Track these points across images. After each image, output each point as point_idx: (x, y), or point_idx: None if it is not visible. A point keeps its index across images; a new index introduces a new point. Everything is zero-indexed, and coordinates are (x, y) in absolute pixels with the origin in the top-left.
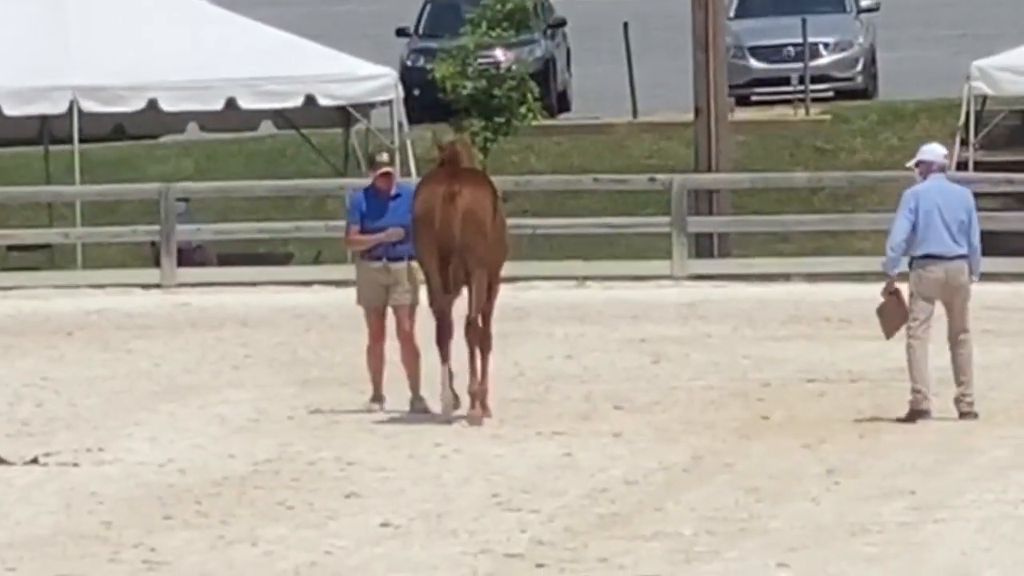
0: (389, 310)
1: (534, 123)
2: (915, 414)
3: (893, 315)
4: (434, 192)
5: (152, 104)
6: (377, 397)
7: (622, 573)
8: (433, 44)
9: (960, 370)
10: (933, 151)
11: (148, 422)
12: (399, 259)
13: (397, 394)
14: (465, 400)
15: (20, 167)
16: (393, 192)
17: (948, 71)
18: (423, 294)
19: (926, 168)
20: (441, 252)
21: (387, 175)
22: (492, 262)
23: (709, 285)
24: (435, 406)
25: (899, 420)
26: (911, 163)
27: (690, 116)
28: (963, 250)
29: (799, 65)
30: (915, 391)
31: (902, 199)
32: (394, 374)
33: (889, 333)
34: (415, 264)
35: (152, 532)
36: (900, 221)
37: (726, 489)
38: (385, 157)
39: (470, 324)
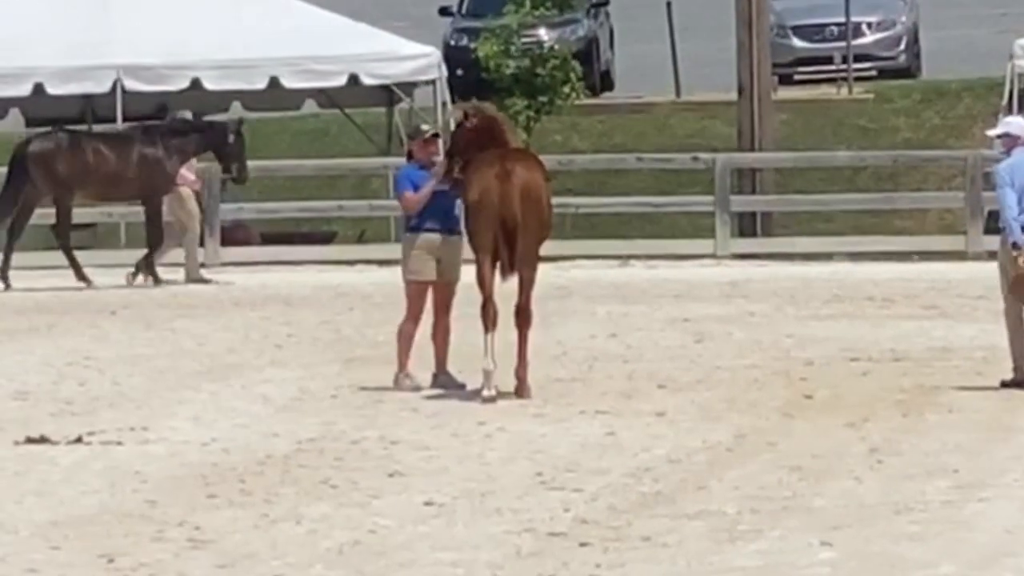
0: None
1: (577, 102)
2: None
3: None
4: (487, 174)
5: (195, 83)
6: (407, 371)
7: (665, 552)
8: (476, 23)
9: None
10: (1020, 125)
11: (192, 401)
12: (453, 232)
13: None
14: (507, 379)
15: None
16: (435, 163)
17: (991, 50)
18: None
19: (1011, 142)
20: (505, 232)
21: (431, 141)
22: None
23: (752, 264)
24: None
25: (1004, 384)
26: (994, 132)
27: (733, 95)
28: None
29: (842, 44)
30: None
31: (998, 174)
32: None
33: None
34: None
35: (196, 510)
36: (1007, 194)
37: (769, 468)
38: (427, 126)
39: (521, 309)
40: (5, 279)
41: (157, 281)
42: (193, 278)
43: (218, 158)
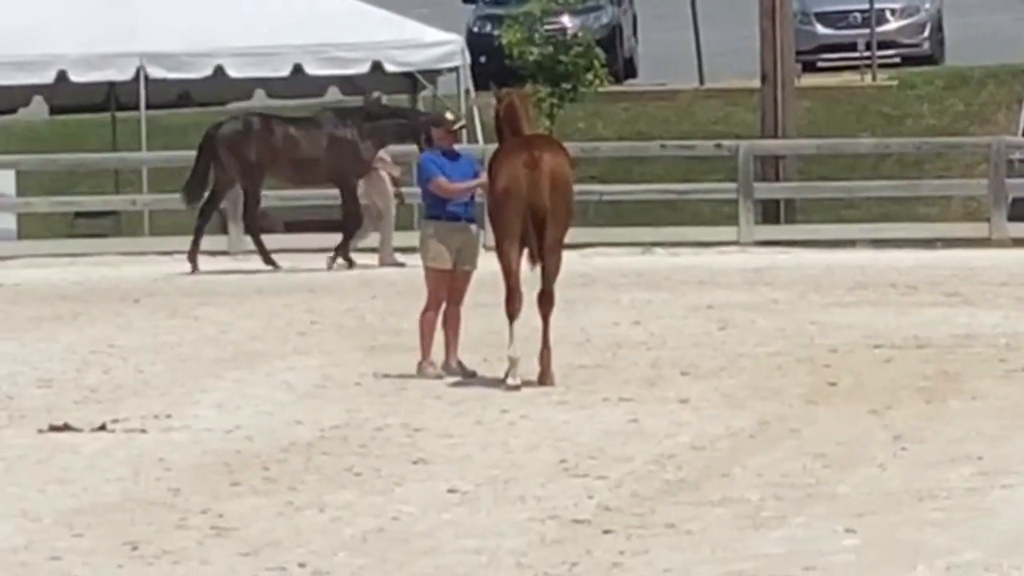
0: None
1: (600, 89)
2: None
3: None
4: (514, 162)
5: (219, 71)
6: (430, 358)
7: (689, 539)
8: (500, 10)
9: None
10: None
11: (215, 388)
12: (473, 221)
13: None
14: (531, 367)
15: (87, 134)
16: (456, 152)
17: (1015, 36)
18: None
19: None
20: (535, 219)
21: (457, 132)
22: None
23: (775, 251)
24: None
25: None
26: None
27: (756, 82)
28: None
29: (866, 31)
30: None
31: None
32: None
33: None
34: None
35: (220, 498)
36: None
37: (793, 455)
38: (453, 116)
39: (544, 294)
40: (193, 263)
41: (351, 265)
42: (387, 262)
43: (414, 138)
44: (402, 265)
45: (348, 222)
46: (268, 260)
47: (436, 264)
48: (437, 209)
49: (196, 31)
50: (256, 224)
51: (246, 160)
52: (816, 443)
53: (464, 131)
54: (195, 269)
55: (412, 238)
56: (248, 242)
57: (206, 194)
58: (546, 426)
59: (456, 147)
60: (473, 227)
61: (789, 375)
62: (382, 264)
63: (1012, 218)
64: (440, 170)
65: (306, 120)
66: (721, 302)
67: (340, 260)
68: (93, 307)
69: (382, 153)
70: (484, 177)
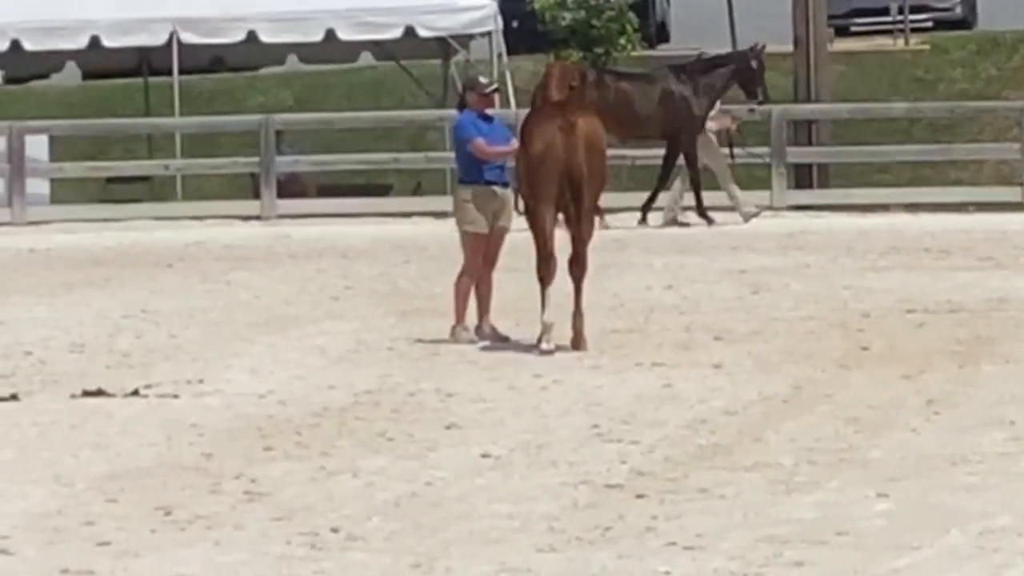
0: None
1: (633, 54)
2: None
3: None
4: (549, 127)
5: (251, 36)
6: (463, 323)
7: (722, 503)
8: None
9: None
10: None
11: (248, 353)
12: (507, 184)
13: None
14: (564, 332)
15: (120, 99)
16: (490, 116)
17: None
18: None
19: None
20: (570, 183)
21: (491, 96)
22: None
23: (808, 215)
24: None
25: None
26: None
27: (789, 47)
28: None
29: None
30: None
31: None
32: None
33: None
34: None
35: (252, 463)
36: None
37: (826, 419)
38: (486, 80)
39: (576, 259)
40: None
41: (710, 223)
42: (747, 213)
43: (742, 87)
44: (757, 213)
45: (693, 177)
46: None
47: (473, 228)
48: (473, 174)
49: None
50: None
51: None
52: (849, 407)
53: (497, 95)
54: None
55: (444, 203)
56: (281, 207)
57: None
58: (579, 391)
59: (490, 111)
60: (506, 190)
61: (822, 339)
62: (746, 220)
63: None
64: (477, 130)
65: (641, 75)
66: (754, 266)
67: (698, 217)
68: (125, 272)
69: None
70: (516, 143)
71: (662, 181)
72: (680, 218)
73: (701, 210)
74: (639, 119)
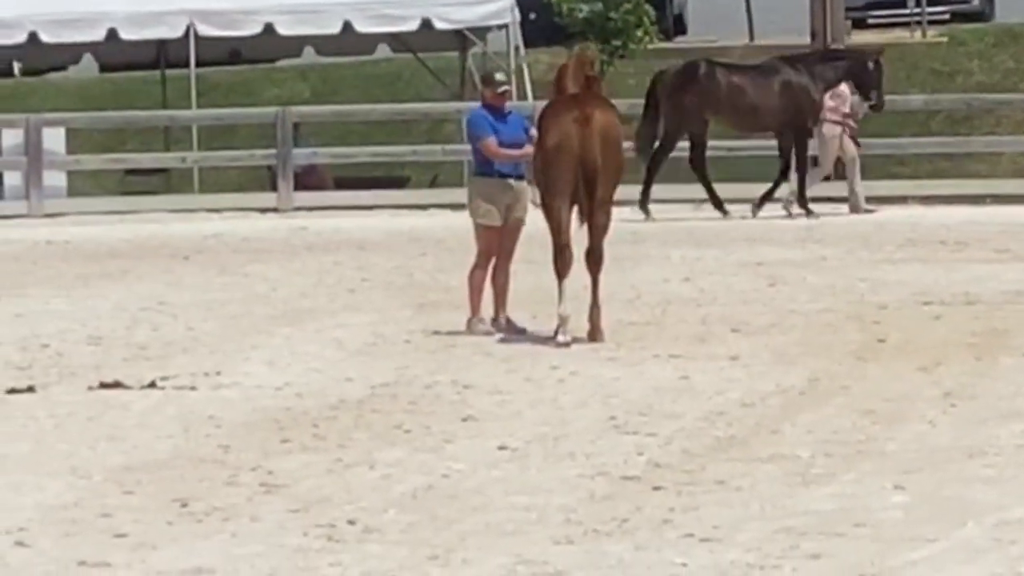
0: None
1: (650, 46)
2: None
3: None
4: (565, 118)
5: (268, 28)
6: (479, 315)
7: (739, 495)
8: None
9: None
10: None
11: (265, 346)
12: (521, 177)
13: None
14: (581, 324)
15: (137, 91)
16: (505, 111)
17: None
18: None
19: None
20: (585, 176)
21: (504, 94)
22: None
23: (825, 208)
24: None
25: None
26: None
27: (806, 39)
28: None
29: None
30: None
31: None
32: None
33: None
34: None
35: (269, 455)
36: None
37: (843, 412)
38: (502, 76)
39: (593, 251)
40: (644, 209)
41: (809, 214)
42: (859, 208)
43: (857, 86)
44: (872, 211)
45: (800, 168)
46: (718, 206)
47: (486, 221)
48: (487, 166)
49: None
50: (704, 169)
51: (682, 104)
52: (865, 400)
53: (511, 92)
54: (647, 216)
55: (460, 195)
56: (298, 199)
57: (657, 139)
58: (596, 383)
59: (507, 105)
60: (520, 183)
61: (839, 332)
62: (852, 212)
63: None
64: (491, 128)
65: (755, 67)
66: (771, 259)
67: (798, 208)
68: (143, 264)
69: (830, 100)
70: (530, 148)
71: (783, 174)
72: (866, 206)
73: (803, 201)
74: (757, 112)
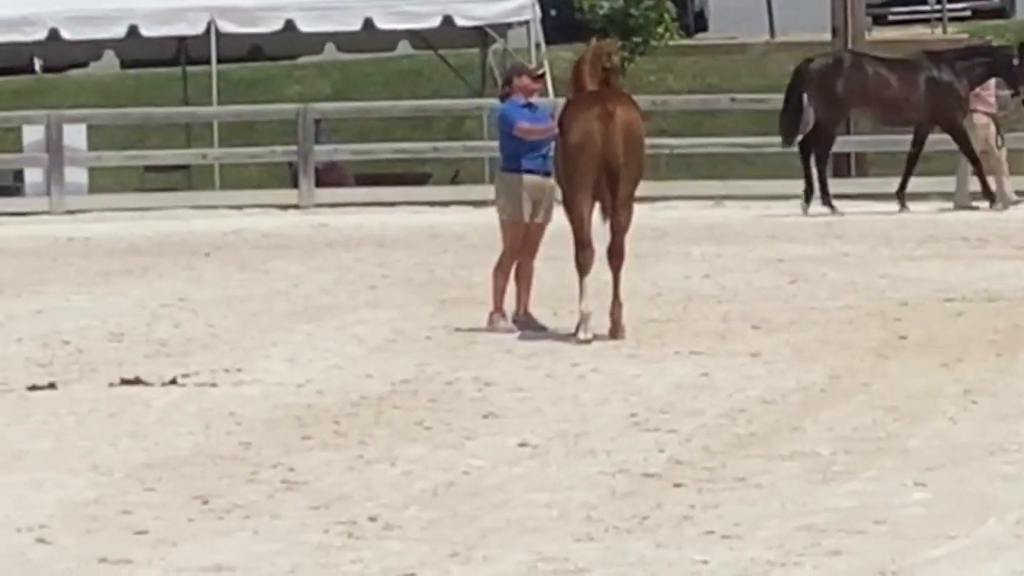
0: None
1: (671, 43)
2: None
3: None
4: (588, 115)
5: (289, 25)
6: (501, 312)
7: (760, 492)
8: None
9: None
10: None
11: (286, 342)
12: (549, 174)
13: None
14: (602, 321)
15: (158, 88)
16: (532, 103)
17: None
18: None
19: None
20: (607, 173)
21: (542, 76)
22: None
23: (846, 204)
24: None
25: None
26: None
27: (827, 35)
28: None
29: None
30: None
31: None
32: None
33: None
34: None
35: (290, 452)
36: None
37: (863, 408)
38: (533, 65)
39: (614, 248)
40: (829, 205)
41: (833, 210)
42: (1009, 201)
43: (1006, 80)
44: (975, 209)
45: (975, 165)
46: (827, 202)
47: (512, 217)
48: (513, 162)
49: None
50: (825, 162)
51: (830, 95)
52: (887, 397)
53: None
54: (833, 210)
55: (482, 191)
56: (319, 195)
57: (802, 130)
58: (616, 380)
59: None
60: (549, 180)
61: (860, 329)
62: (957, 207)
63: None
64: (521, 118)
65: (901, 61)
66: (792, 255)
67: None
68: (163, 261)
69: (981, 92)
70: (554, 124)
71: (911, 165)
72: (972, 203)
73: (987, 190)
74: (903, 105)
